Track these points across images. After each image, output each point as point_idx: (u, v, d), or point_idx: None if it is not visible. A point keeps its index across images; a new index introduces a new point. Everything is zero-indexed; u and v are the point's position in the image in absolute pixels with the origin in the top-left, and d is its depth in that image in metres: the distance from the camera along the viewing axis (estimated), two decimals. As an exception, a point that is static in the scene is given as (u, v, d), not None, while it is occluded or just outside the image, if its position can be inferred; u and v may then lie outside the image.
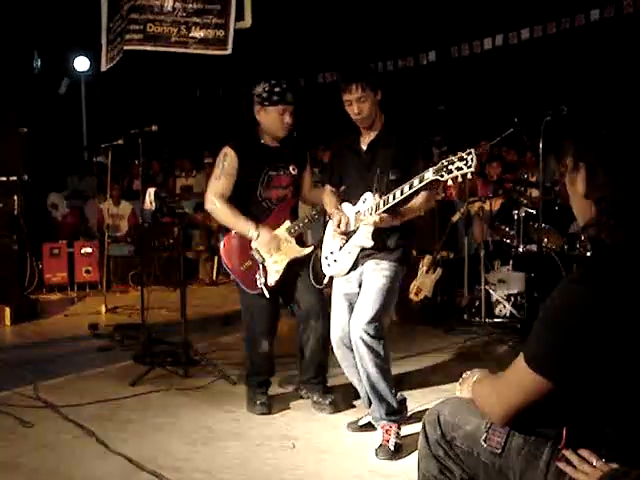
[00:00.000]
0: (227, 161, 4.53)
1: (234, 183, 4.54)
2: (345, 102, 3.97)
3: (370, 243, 3.92)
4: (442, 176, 3.52)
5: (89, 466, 3.76)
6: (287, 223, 4.57)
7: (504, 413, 1.91)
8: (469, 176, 3.50)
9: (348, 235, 4.06)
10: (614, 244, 1.76)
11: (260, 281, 4.44)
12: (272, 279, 4.47)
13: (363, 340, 3.85)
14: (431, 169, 3.57)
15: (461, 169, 3.46)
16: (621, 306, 1.69)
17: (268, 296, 4.46)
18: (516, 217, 7.44)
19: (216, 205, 4.53)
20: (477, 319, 7.13)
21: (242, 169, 4.52)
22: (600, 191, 1.79)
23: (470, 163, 3.44)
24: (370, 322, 3.85)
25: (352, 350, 4.03)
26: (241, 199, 4.55)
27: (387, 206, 3.75)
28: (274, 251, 4.48)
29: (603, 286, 1.71)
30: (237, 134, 4.78)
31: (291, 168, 4.62)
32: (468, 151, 3.45)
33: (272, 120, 4.48)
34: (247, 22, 8.30)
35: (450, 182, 3.57)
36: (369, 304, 3.90)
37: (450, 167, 3.48)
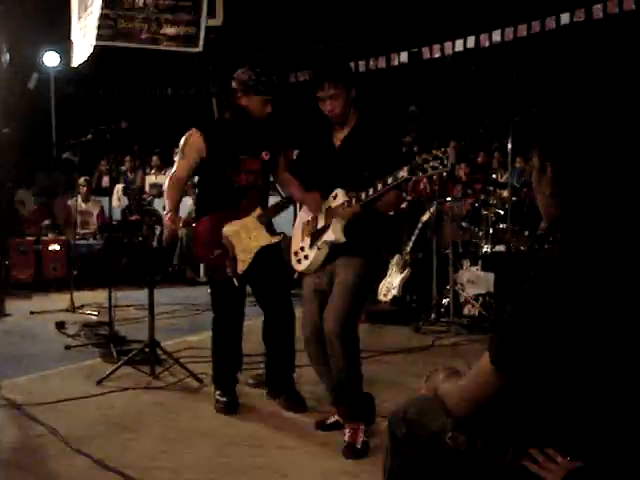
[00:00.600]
0: (189, 142, 4.50)
1: (196, 165, 4.51)
2: (318, 99, 3.96)
3: (342, 240, 3.91)
4: (416, 175, 3.52)
5: (54, 465, 3.72)
6: (257, 211, 4.53)
7: (467, 409, 1.92)
8: (444, 175, 3.52)
9: (318, 231, 4.05)
10: (579, 243, 1.77)
11: (230, 269, 4.42)
12: (241, 267, 4.45)
13: (336, 336, 3.85)
14: (405, 167, 3.56)
15: (436, 168, 3.46)
16: (584, 306, 1.70)
17: (237, 284, 4.44)
18: (485, 217, 7.48)
19: (167, 183, 4.54)
20: (446, 319, 7.16)
21: (210, 150, 4.48)
22: (566, 190, 1.81)
23: (445, 162, 3.44)
24: (343, 318, 3.86)
25: (323, 347, 4.03)
26: (211, 182, 4.54)
27: (360, 203, 3.74)
28: (244, 241, 4.46)
29: (566, 285, 1.72)
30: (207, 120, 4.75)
31: (263, 153, 4.57)
32: (443, 150, 3.45)
33: (256, 106, 4.45)
34: (219, 19, 8.29)
35: (425, 181, 3.59)
36: (342, 300, 3.89)
37: (425, 166, 3.48)
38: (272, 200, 4.81)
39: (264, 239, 4.54)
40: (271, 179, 4.77)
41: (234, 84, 4.47)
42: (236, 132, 4.52)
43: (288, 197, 4.57)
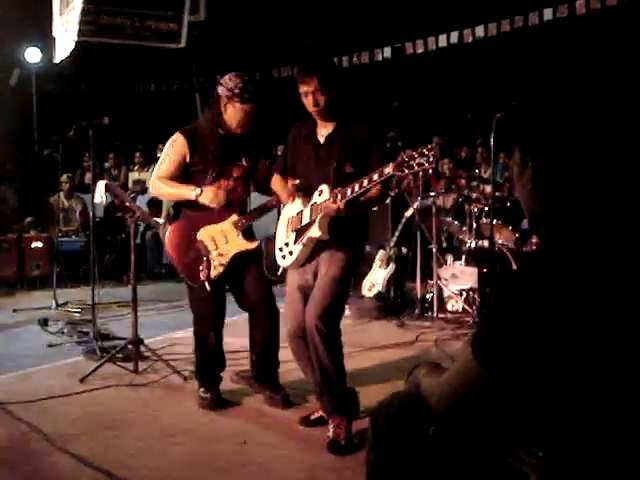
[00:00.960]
0: (174, 146, 4.52)
1: (180, 169, 4.51)
2: (301, 94, 3.95)
3: (326, 236, 3.91)
4: (402, 171, 3.51)
5: (37, 463, 3.71)
6: (234, 216, 4.53)
7: (450, 406, 1.92)
8: (430, 172, 3.51)
9: (303, 227, 4.04)
10: (560, 238, 1.77)
11: (203, 273, 4.41)
12: (216, 272, 4.45)
13: (318, 330, 3.85)
14: (391, 164, 3.56)
15: (422, 165, 3.45)
16: (565, 300, 1.70)
17: (209, 289, 4.43)
18: (469, 213, 7.50)
19: (157, 184, 4.55)
20: (429, 314, 7.18)
21: (192, 156, 4.49)
22: (546, 184, 1.81)
23: (431, 159, 3.43)
24: (325, 312, 3.86)
25: (306, 342, 4.04)
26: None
27: (345, 199, 3.74)
28: (219, 245, 4.45)
29: (548, 280, 1.72)
30: (190, 123, 4.74)
31: (243, 160, 4.58)
32: (429, 147, 3.45)
33: (236, 116, 4.43)
34: (201, 15, 8.29)
35: (410, 177, 3.58)
36: (324, 294, 3.90)
37: (411, 162, 3.47)
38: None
39: (240, 245, 4.52)
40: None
41: (219, 90, 4.45)
42: (216, 138, 4.51)
43: (270, 203, 4.58)
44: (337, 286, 3.93)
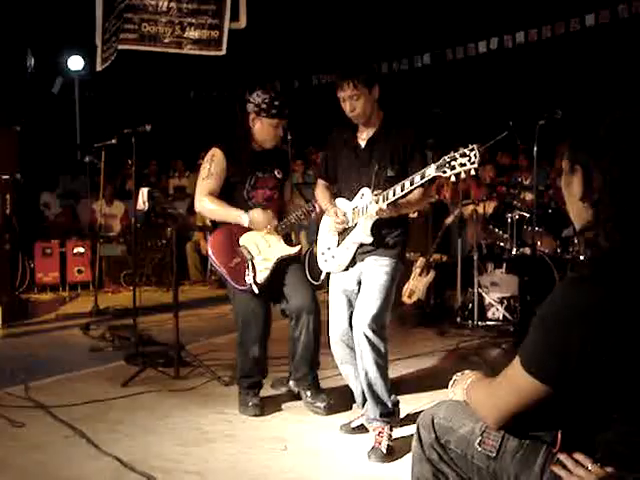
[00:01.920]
0: (215, 162, 4.60)
1: (222, 182, 4.60)
2: (340, 99, 3.97)
3: (369, 239, 3.91)
4: (444, 172, 3.48)
5: (80, 467, 3.73)
6: (274, 222, 4.59)
7: (499, 416, 1.90)
8: (472, 172, 3.47)
9: (345, 231, 4.05)
10: (611, 248, 1.74)
11: (249, 278, 4.44)
12: (261, 276, 4.48)
13: (366, 336, 3.84)
14: (433, 165, 3.55)
15: (464, 165, 3.42)
16: (618, 310, 1.67)
17: (257, 292, 4.45)
18: (509, 220, 7.44)
19: (204, 202, 4.60)
20: (470, 322, 7.13)
21: (230, 170, 4.59)
22: (597, 194, 1.77)
23: (473, 159, 3.40)
24: (374, 319, 3.86)
25: (350, 347, 4.06)
26: (228, 200, 4.59)
27: (388, 201, 3.73)
28: (263, 249, 4.48)
29: (600, 290, 1.69)
30: (226, 135, 4.80)
31: (276, 172, 4.71)
32: (471, 147, 3.41)
33: (265, 130, 4.55)
34: (242, 23, 8.31)
35: (453, 178, 3.53)
36: (372, 301, 3.89)
37: (453, 163, 3.45)
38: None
39: (282, 250, 4.60)
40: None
41: (248, 107, 4.56)
42: (251, 151, 4.63)
43: (303, 211, 4.61)
44: (384, 293, 3.92)
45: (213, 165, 4.59)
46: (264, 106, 4.48)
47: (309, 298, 4.59)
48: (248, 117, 4.57)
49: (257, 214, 4.52)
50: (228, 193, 4.61)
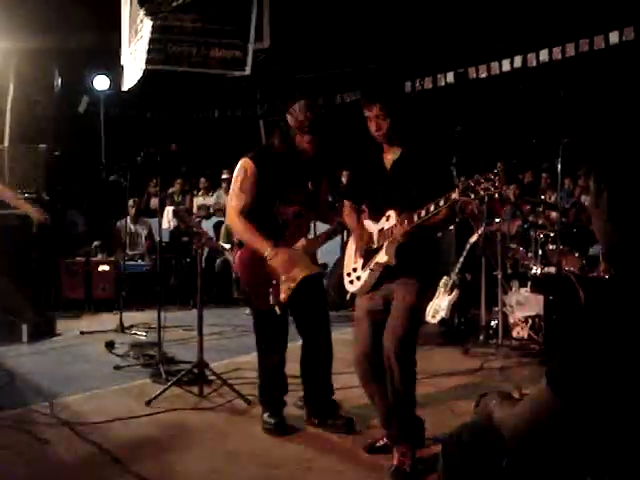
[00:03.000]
0: (247, 175, 4.49)
1: (254, 196, 4.50)
2: (366, 118, 3.99)
3: (394, 261, 3.91)
4: (468, 196, 3.50)
5: (104, 485, 3.75)
6: (302, 240, 4.57)
7: (526, 439, 1.88)
8: (496, 196, 3.50)
9: (371, 253, 4.05)
10: (636, 270, 1.72)
11: (273, 298, 4.44)
12: (284, 295, 4.47)
13: (397, 355, 3.85)
14: (457, 189, 3.56)
15: (488, 189, 3.45)
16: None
17: (279, 312, 4.45)
18: (534, 239, 7.40)
19: (236, 221, 4.51)
20: (494, 341, 7.07)
21: (260, 183, 4.49)
22: (625, 215, 1.76)
23: (497, 183, 3.43)
24: (404, 339, 3.87)
25: (373, 367, 4.06)
26: (257, 212, 4.52)
27: (412, 224, 3.74)
28: (290, 269, 4.47)
29: (626, 313, 1.67)
30: (259, 147, 4.78)
31: (309, 184, 4.62)
32: (495, 171, 3.45)
33: (302, 144, 4.48)
34: (265, 42, 8.38)
35: (475, 202, 3.56)
36: (402, 321, 3.90)
37: (476, 187, 3.47)
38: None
39: (308, 269, 4.56)
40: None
41: (290, 119, 4.46)
42: (283, 164, 4.54)
43: (336, 227, 4.60)
44: (414, 313, 3.94)
45: (246, 180, 4.49)
46: (308, 124, 4.40)
47: (323, 323, 4.63)
48: (289, 131, 4.49)
49: (281, 258, 4.39)
50: (259, 206, 4.51)
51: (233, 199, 4.56)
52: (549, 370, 1.81)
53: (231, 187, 4.65)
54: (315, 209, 4.76)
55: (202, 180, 13.22)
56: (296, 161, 4.55)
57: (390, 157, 4.05)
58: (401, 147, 4.03)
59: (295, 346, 4.77)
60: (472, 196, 3.48)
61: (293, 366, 4.80)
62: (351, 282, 4.21)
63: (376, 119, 3.93)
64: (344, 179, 9.41)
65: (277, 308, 4.45)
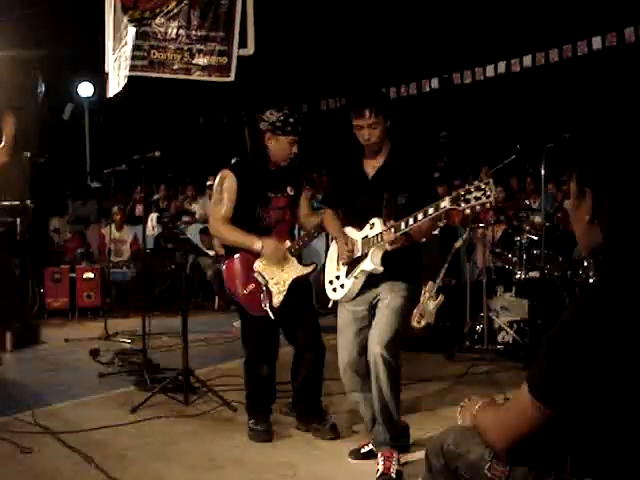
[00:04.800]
0: (226, 185, 4.54)
1: (234, 206, 4.55)
2: (356, 127, 3.96)
3: (379, 269, 3.90)
4: (459, 205, 3.48)
5: (88, 493, 3.73)
6: (287, 243, 4.58)
7: (507, 442, 1.88)
8: (487, 206, 3.48)
9: (354, 261, 4.04)
10: (622, 271, 1.72)
11: (265, 303, 4.44)
12: (276, 300, 4.48)
13: (383, 358, 3.84)
14: (447, 198, 3.53)
15: (479, 199, 3.42)
16: (626, 334, 1.66)
17: (273, 317, 4.45)
18: (518, 243, 7.43)
19: (220, 229, 4.58)
20: (479, 346, 7.08)
21: (241, 191, 4.53)
22: (607, 217, 1.76)
23: (489, 193, 3.40)
24: (390, 342, 3.86)
25: (359, 375, 4.08)
26: (240, 220, 4.54)
27: (400, 232, 3.73)
28: (281, 261, 4.49)
29: (609, 314, 1.68)
30: (239, 157, 4.80)
31: (289, 189, 4.65)
32: (486, 180, 3.42)
33: (280, 148, 4.50)
34: (250, 49, 8.38)
35: (467, 211, 3.53)
36: (388, 325, 3.90)
37: (467, 196, 3.44)
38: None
39: (297, 270, 4.58)
40: None
41: (262, 125, 4.51)
42: (263, 171, 4.59)
43: (315, 230, 4.61)
44: (400, 317, 3.94)
45: (225, 189, 4.54)
46: (279, 124, 4.44)
47: (310, 331, 4.62)
48: (263, 136, 4.52)
49: (269, 247, 4.46)
50: (241, 214, 4.55)
51: (214, 209, 4.61)
52: (529, 375, 1.81)
53: (212, 198, 4.69)
54: (297, 213, 4.77)
55: (187, 187, 13.22)
56: (273, 166, 4.59)
57: (372, 164, 4.05)
58: (385, 154, 4.03)
59: (285, 352, 4.76)
60: (463, 205, 3.46)
61: (281, 373, 4.79)
62: (334, 290, 4.20)
63: (369, 128, 3.91)
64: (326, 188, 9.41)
65: (270, 313, 4.44)
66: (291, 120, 4.47)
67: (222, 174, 4.59)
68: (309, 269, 4.63)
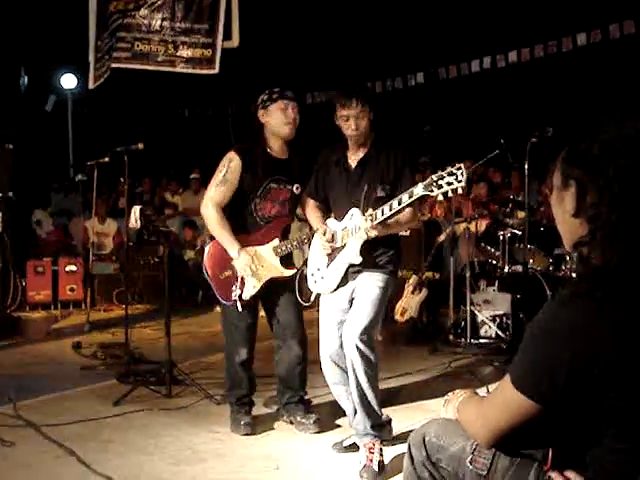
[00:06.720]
0: (231, 167, 4.41)
1: (234, 191, 4.43)
2: (342, 117, 3.95)
3: (358, 260, 3.91)
4: (432, 191, 3.50)
5: (69, 486, 3.71)
6: (275, 241, 4.49)
7: (490, 435, 1.88)
8: (459, 191, 3.48)
9: (335, 251, 4.05)
10: (605, 264, 1.71)
11: (235, 293, 4.40)
12: (248, 294, 4.42)
13: (358, 348, 3.83)
14: (420, 184, 3.57)
15: (451, 184, 3.45)
16: (611, 326, 1.66)
17: (240, 310, 4.41)
18: (501, 238, 7.45)
19: (211, 212, 4.41)
20: (462, 340, 7.11)
21: (243, 177, 4.42)
22: (592, 210, 1.74)
23: (460, 177, 3.42)
24: (365, 331, 3.86)
25: (340, 367, 4.07)
26: (234, 208, 4.46)
27: (377, 221, 3.73)
28: (253, 269, 4.41)
29: (592, 306, 1.67)
30: (244, 143, 4.68)
31: (295, 186, 4.52)
32: (457, 166, 3.44)
33: (275, 118, 4.40)
34: (235, 41, 8.34)
35: (440, 197, 3.55)
36: (364, 314, 3.90)
37: (440, 182, 3.47)
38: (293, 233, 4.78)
39: (275, 271, 4.49)
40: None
41: (259, 112, 4.44)
42: (270, 159, 4.47)
43: (307, 235, 4.54)
44: (377, 306, 3.94)
45: (229, 172, 4.40)
46: (265, 97, 4.39)
47: (296, 321, 4.59)
48: (259, 121, 4.44)
49: (242, 260, 4.34)
50: (237, 201, 4.45)
51: (212, 189, 4.46)
52: (511, 366, 1.81)
53: (213, 176, 4.51)
54: (295, 211, 4.71)
55: (171, 180, 13.18)
56: (279, 159, 4.50)
57: (355, 156, 4.05)
58: (367, 146, 4.03)
59: (265, 345, 4.76)
60: (436, 191, 3.48)
61: (264, 365, 4.78)
62: (315, 282, 4.20)
63: (355, 118, 3.91)
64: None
65: (239, 303, 4.40)
66: (276, 89, 4.42)
67: (229, 156, 4.44)
68: (289, 272, 4.52)
